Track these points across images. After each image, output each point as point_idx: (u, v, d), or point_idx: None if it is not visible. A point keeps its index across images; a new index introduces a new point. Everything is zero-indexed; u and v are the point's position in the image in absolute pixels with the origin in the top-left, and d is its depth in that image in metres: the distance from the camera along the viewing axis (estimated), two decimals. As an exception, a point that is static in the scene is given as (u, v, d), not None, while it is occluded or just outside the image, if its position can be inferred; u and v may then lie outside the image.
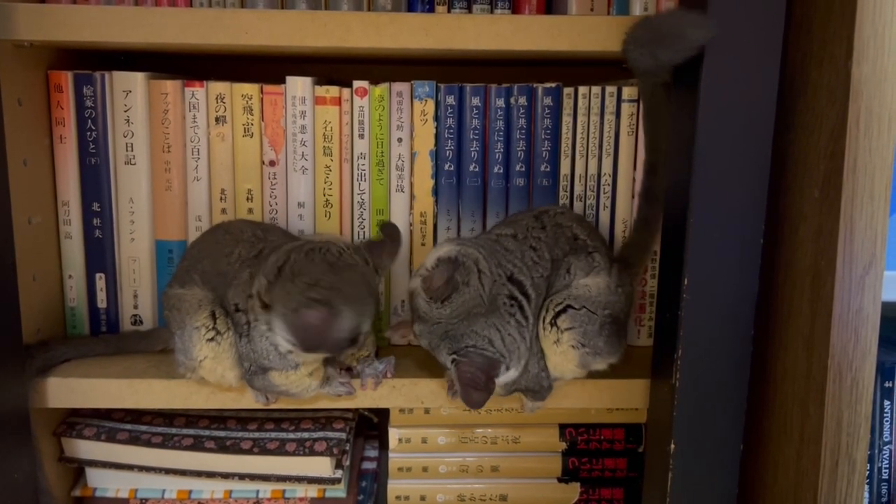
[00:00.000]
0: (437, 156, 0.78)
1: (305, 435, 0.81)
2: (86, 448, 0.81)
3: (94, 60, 0.84)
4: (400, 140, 0.78)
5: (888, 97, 0.56)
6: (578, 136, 0.78)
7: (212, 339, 0.68)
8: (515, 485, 0.87)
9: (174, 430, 0.81)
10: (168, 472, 0.80)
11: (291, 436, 0.81)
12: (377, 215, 0.79)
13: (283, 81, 0.77)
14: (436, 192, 0.79)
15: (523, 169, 0.79)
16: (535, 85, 0.77)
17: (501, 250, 0.71)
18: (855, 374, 0.60)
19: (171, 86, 0.77)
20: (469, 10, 0.82)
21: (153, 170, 0.79)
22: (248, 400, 0.74)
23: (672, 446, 0.67)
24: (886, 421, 0.71)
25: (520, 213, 0.77)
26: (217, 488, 0.82)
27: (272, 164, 0.79)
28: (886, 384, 0.71)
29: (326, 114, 0.77)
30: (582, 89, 0.78)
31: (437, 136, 0.78)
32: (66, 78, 0.77)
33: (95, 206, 0.79)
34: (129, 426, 0.82)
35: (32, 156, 0.75)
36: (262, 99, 0.77)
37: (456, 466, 0.87)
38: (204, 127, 0.78)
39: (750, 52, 0.60)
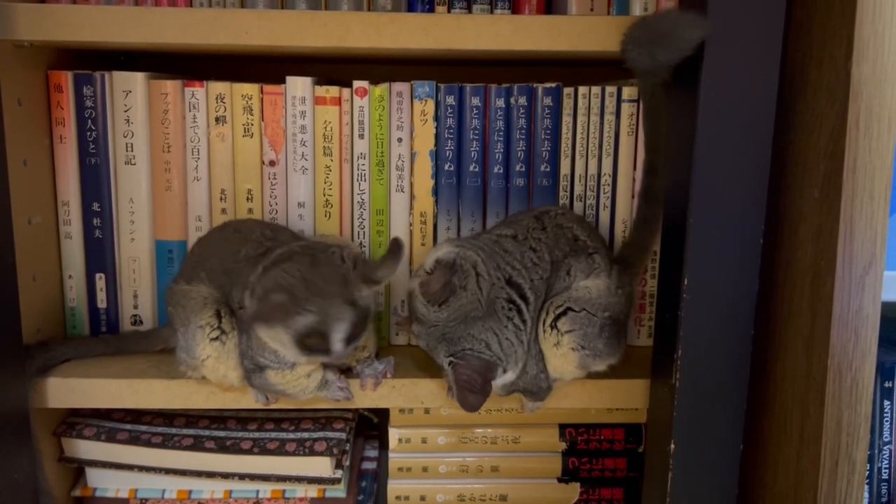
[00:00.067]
0: (437, 156, 0.78)
1: (305, 435, 0.81)
2: (86, 448, 0.81)
3: (94, 60, 0.84)
4: (400, 140, 0.78)
5: (888, 97, 0.57)
6: (578, 136, 0.78)
7: (216, 339, 0.68)
8: (515, 485, 0.87)
9: (174, 430, 0.81)
10: (168, 472, 0.80)
11: (291, 436, 0.81)
12: (377, 215, 0.80)
13: (283, 81, 0.77)
14: (436, 192, 0.79)
15: (523, 169, 0.79)
16: (535, 85, 0.77)
17: (501, 252, 0.71)
18: (855, 374, 0.60)
19: (171, 86, 0.77)
20: (469, 10, 0.82)
21: (153, 170, 0.79)
22: (248, 400, 0.74)
23: (672, 446, 0.67)
24: (886, 421, 0.71)
25: (520, 214, 0.77)
26: (217, 488, 0.82)
27: (272, 164, 0.79)
28: (886, 384, 0.71)
29: (326, 114, 0.77)
30: (582, 89, 0.78)
31: (437, 136, 0.78)
32: (66, 78, 0.77)
33: (95, 206, 0.79)
34: (129, 426, 0.82)
35: (32, 156, 0.75)
36: (262, 99, 0.77)
37: (456, 466, 0.87)
38: (204, 127, 0.78)
39: (750, 52, 0.60)
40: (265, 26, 0.68)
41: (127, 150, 0.78)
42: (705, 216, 0.63)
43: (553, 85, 0.77)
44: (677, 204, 0.65)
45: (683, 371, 0.65)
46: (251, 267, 0.67)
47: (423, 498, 0.87)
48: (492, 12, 0.82)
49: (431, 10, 0.82)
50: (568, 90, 0.78)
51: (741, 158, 0.62)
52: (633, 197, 0.79)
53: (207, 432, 0.81)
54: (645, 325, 0.83)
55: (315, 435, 0.82)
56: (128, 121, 0.77)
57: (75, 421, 0.82)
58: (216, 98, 0.77)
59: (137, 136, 0.78)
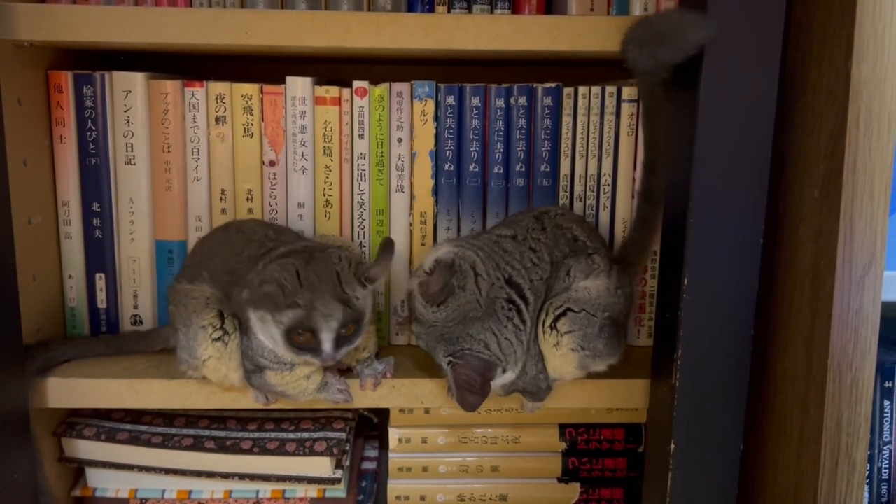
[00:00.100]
0: (437, 156, 0.78)
1: (305, 435, 0.81)
2: (86, 448, 0.81)
3: (94, 60, 0.84)
4: (400, 140, 0.78)
5: (888, 97, 0.57)
6: (578, 136, 0.78)
7: (218, 339, 0.68)
8: (515, 485, 0.87)
9: (174, 430, 0.81)
10: (168, 472, 0.80)
11: (291, 436, 0.81)
12: (377, 215, 0.80)
13: (283, 81, 0.77)
14: (436, 192, 0.79)
15: (523, 169, 0.79)
16: (535, 85, 0.77)
17: (500, 252, 0.71)
18: (855, 374, 0.60)
19: (171, 86, 0.77)
20: (469, 10, 0.82)
21: (153, 170, 0.79)
22: (248, 400, 0.74)
23: (672, 446, 0.67)
24: (886, 421, 0.71)
25: (520, 214, 0.77)
26: (217, 488, 0.82)
27: (272, 164, 0.79)
28: (886, 384, 0.71)
29: (326, 114, 0.77)
30: (582, 89, 0.78)
31: (437, 137, 0.78)
32: (66, 78, 0.77)
33: (95, 206, 0.79)
34: (129, 426, 0.82)
35: (32, 156, 0.75)
36: (262, 99, 0.77)
37: (456, 466, 0.87)
38: (204, 127, 0.78)
39: (750, 52, 0.60)
40: (265, 26, 0.68)
41: (127, 150, 0.78)
42: (705, 216, 0.63)
43: (553, 85, 0.77)
44: (677, 204, 0.65)
45: (683, 371, 0.65)
46: (253, 267, 0.67)
47: (423, 498, 0.87)
48: (492, 12, 0.82)
49: (431, 10, 0.82)
50: (568, 90, 0.78)
51: (741, 158, 0.62)
52: (633, 197, 0.79)
53: (207, 432, 0.81)
54: (645, 325, 0.83)
55: (315, 435, 0.81)
56: (128, 121, 0.77)
57: (75, 421, 0.82)
58: (216, 98, 0.77)
59: (137, 136, 0.78)
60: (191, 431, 0.81)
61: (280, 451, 0.79)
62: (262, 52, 0.78)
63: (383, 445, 0.95)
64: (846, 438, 0.61)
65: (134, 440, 0.80)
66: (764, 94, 0.61)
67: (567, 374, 0.72)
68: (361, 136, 0.78)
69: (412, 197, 0.79)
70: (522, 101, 0.77)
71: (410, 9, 0.82)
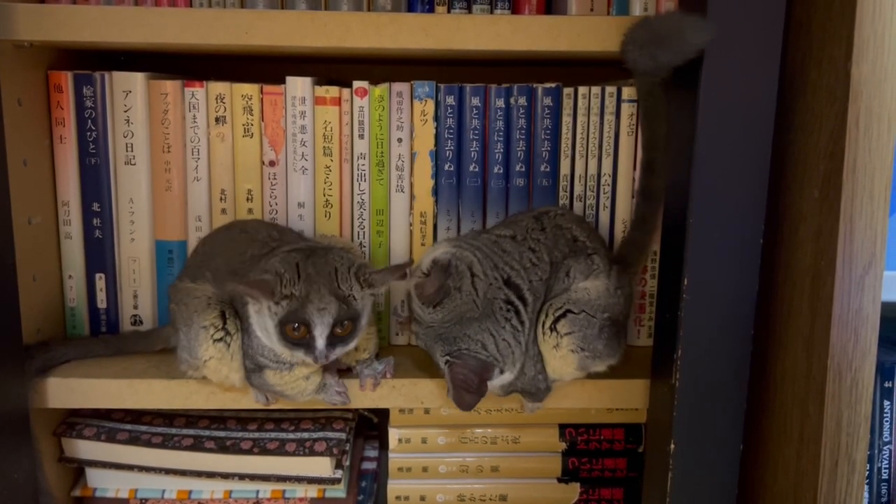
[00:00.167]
0: (437, 156, 0.78)
1: (305, 435, 0.81)
2: (86, 448, 0.81)
3: (94, 60, 0.84)
4: (400, 140, 0.78)
5: (888, 97, 0.57)
6: (578, 136, 0.78)
7: (220, 340, 0.68)
8: (515, 485, 0.87)
9: (174, 431, 0.81)
10: (168, 472, 0.80)
11: (291, 436, 0.81)
12: (377, 215, 0.80)
13: (283, 81, 0.77)
14: (436, 192, 0.79)
15: (523, 169, 0.79)
16: (535, 85, 0.77)
17: (499, 252, 0.71)
18: (855, 374, 0.60)
19: (170, 86, 0.77)
20: (469, 10, 0.82)
21: (153, 170, 0.79)
22: (248, 400, 0.74)
23: (672, 446, 0.67)
24: (886, 421, 0.71)
25: (519, 214, 0.77)
26: (217, 488, 0.82)
27: (272, 164, 0.79)
28: (886, 384, 0.71)
29: (326, 114, 0.77)
30: (582, 89, 0.78)
31: (437, 137, 0.78)
32: (66, 78, 0.77)
33: (95, 207, 0.79)
34: (129, 426, 0.82)
35: (32, 156, 0.75)
36: (262, 99, 0.77)
37: (456, 466, 0.87)
38: (204, 127, 0.78)
39: (750, 52, 0.60)
40: (265, 26, 0.68)
41: (127, 150, 0.78)
42: (705, 216, 0.63)
43: (553, 85, 0.77)
44: (677, 204, 0.65)
45: (683, 371, 0.65)
46: (254, 266, 0.68)
47: (422, 498, 0.87)
48: (492, 12, 0.82)
49: (431, 10, 0.82)
50: (568, 90, 0.78)
51: (741, 158, 0.62)
52: (632, 197, 0.79)
53: (207, 432, 0.81)
54: (645, 325, 0.83)
55: (315, 435, 0.81)
56: (128, 121, 0.77)
57: (75, 421, 0.82)
58: (216, 98, 0.77)
59: (137, 136, 0.78)
60: (191, 431, 0.81)
61: (280, 451, 0.79)
62: (262, 52, 0.78)
63: (383, 445, 0.95)
64: (846, 438, 0.61)
65: (134, 440, 0.80)
66: (764, 94, 0.61)
67: (567, 375, 0.72)
68: (361, 136, 0.78)
69: (412, 197, 0.79)
70: (522, 101, 0.77)
71: (410, 9, 0.82)
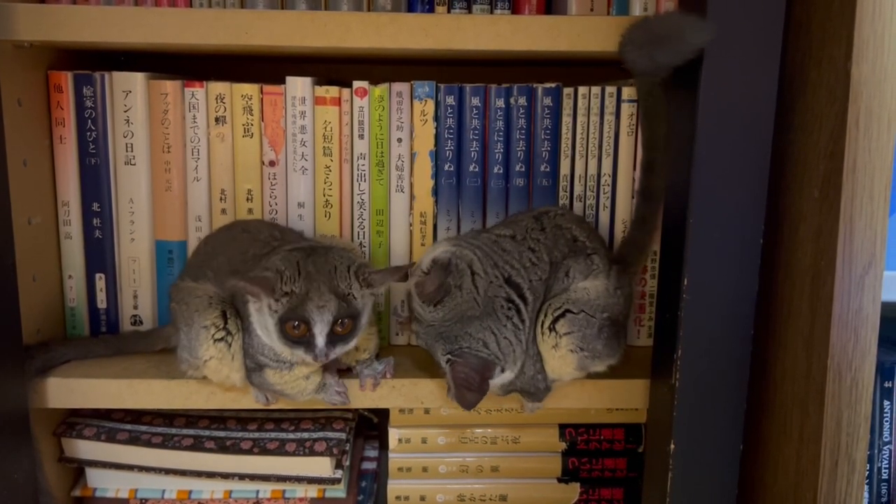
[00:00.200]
0: (436, 156, 0.78)
1: (305, 435, 0.81)
2: (86, 448, 0.81)
3: (94, 60, 0.84)
4: (400, 140, 0.78)
5: (888, 97, 0.57)
6: (578, 136, 0.78)
7: (221, 340, 0.68)
8: (515, 485, 0.87)
9: (174, 431, 0.81)
10: (168, 472, 0.80)
11: (291, 436, 0.81)
12: (377, 215, 0.80)
13: (283, 81, 0.77)
14: (436, 192, 0.79)
15: (523, 169, 0.79)
16: (534, 85, 0.77)
17: (499, 251, 0.71)
18: (855, 374, 0.60)
19: (170, 86, 0.77)
20: (469, 10, 0.82)
21: (153, 170, 0.79)
22: (248, 400, 0.74)
23: (672, 446, 0.67)
24: (886, 421, 0.71)
25: (519, 214, 0.77)
26: (217, 488, 0.82)
27: (272, 164, 0.79)
28: (886, 384, 0.71)
29: (326, 114, 0.77)
30: (582, 89, 0.78)
31: (436, 137, 0.78)
32: (66, 78, 0.77)
33: (95, 207, 0.79)
34: (129, 426, 0.82)
35: (32, 156, 0.75)
36: (261, 99, 0.77)
37: (456, 466, 0.87)
38: (204, 127, 0.78)
39: (749, 52, 0.60)
40: (265, 26, 0.68)
41: (127, 151, 0.78)
42: (705, 216, 0.63)
43: (553, 85, 0.77)
44: (677, 204, 0.65)
45: (683, 371, 0.65)
46: (255, 265, 0.68)
47: (422, 498, 0.87)
48: (492, 12, 0.82)
49: (431, 10, 0.82)
50: (568, 90, 0.78)
51: (741, 158, 0.62)
52: (632, 197, 0.79)
53: (207, 432, 0.81)
54: (645, 325, 0.83)
55: (315, 435, 0.81)
56: (128, 121, 0.77)
57: (75, 421, 0.82)
58: (216, 98, 0.77)
59: (137, 136, 0.78)
60: (191, 431, 0.81)
61: (280, 451, 0.79)
62: (262, 52, 0.78)
63: (383, 445, 0.95)
64: (846, 438, 0.61)
65: (134, 440, 0.80)
66: (764, 94, 0.61)
67: (566, 375, 0.72)
68: (361, 137, 0.78)
69: (412, 197, 0.79)
70: (522, 101, 0.77)
71: (410, 9, 0.82)
